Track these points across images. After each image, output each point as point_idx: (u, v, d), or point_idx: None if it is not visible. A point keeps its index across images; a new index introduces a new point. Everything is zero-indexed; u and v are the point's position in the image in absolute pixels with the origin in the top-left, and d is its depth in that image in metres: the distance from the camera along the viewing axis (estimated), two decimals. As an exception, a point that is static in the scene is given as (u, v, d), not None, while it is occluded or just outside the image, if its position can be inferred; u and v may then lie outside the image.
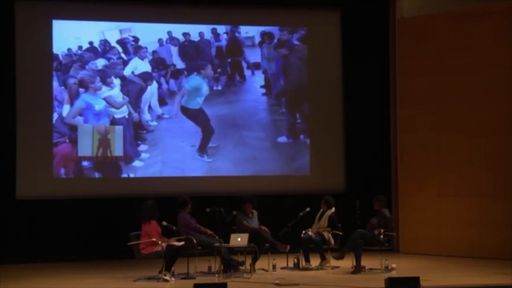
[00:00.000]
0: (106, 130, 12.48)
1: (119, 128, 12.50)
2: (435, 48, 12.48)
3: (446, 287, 9.24)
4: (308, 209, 10.99)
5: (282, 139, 13.16)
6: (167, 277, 9.69)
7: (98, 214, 12.23)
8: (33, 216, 12.07)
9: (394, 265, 10.43)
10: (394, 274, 10.05)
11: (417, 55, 12.65)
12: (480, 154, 11.98)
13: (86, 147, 12.39)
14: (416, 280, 8.41)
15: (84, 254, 11.97)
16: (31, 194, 12.09)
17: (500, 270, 10.17)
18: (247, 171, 12.97)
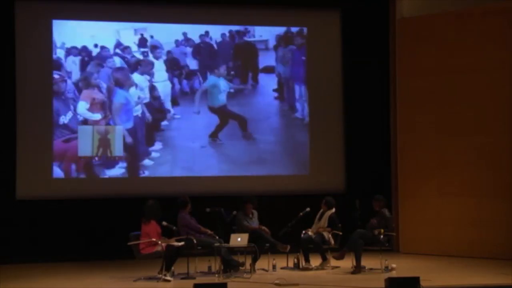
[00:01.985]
0: (106, 130, 12.47)
1: (119, 128, 12.50)
2: (435, 48, 12.48)
3: (446, 287, 9.24)
4: (308, 209, 11.00)
5: (288, 139, 13.14)
6: (167, 277, 9.69)
7: (98, 214, 12.23)
8: (33, 216, 12.07)
9: (394, 265, 10.44)
10: (394, 274, 10.05)
11: (417, 55, 12.64)
12: (480, 154, 11.98)
13: (86, 147, 12.38)
14: (416, 280, 8.41)
15: (84, 254, 11.97)
16: (31, 194, 12.09)
17: (500, 270, 10.17)
18: (247, 171, 12.96)
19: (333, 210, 10.95)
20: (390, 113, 13.13)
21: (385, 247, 10.49)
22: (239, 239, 9.98)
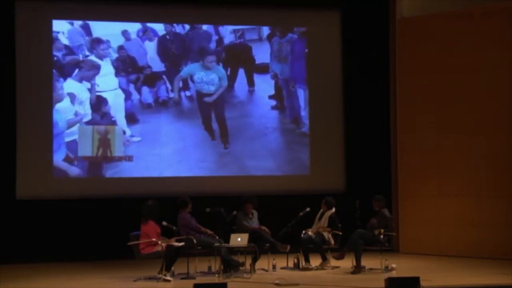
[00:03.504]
0: (106, 130, 12.43)
1: (118, 128, 12.47)
2: (435, 48, 12.48)
3: (446, 287, 9.24)
4: (308, 209, 11.00)
5: (288, 142, 12.96)
6: (167, 277, 9.69)
7: (98, 214, 12.23)
8: (33, 216, 12.07)
9: (394, 265, 10.44)
10: (394, 274, 10.05)
11: (417, 55, 12.65)
12: (480, 154, 11.98)
13: (86, 147, 12.36)
14: (416, 280, 8.41)
15: (84, 254, 11.98)
16: (31, 194, 12.09)
17: (500, 270, 10.17)
18: (247, 171, 12.95)
19: (333, 210, 10.95)
20: (390, 113, 13.13)
21: (385, 247, 10.49)
22: (239, 239, 9.98)
